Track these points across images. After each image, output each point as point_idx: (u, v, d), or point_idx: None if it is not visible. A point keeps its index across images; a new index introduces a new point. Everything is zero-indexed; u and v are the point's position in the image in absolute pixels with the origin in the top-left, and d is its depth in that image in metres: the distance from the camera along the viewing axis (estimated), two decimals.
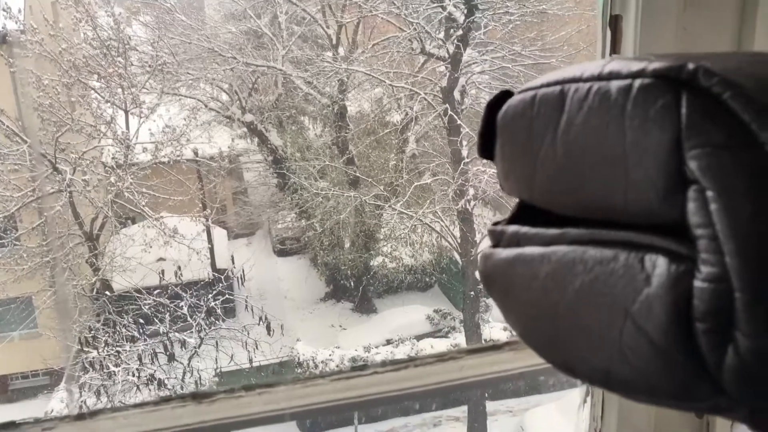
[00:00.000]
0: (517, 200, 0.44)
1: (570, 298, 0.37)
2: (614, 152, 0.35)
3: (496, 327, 12.14)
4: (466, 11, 11.50)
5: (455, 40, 11.50)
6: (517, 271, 0.40)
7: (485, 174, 11.79)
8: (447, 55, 11.68)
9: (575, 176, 0.37)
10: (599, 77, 0.37)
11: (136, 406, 1.18)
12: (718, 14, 1.05)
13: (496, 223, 0.44)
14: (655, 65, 0.35)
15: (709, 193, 0.31)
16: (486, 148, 0.45)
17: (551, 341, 0.39)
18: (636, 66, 0.35)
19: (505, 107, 0.42)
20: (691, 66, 0.33)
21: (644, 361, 0.34)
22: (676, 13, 1.05)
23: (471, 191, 11.58)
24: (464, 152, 11.54)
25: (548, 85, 0.39)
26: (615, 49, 1.12)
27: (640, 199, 0.34)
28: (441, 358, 1.24)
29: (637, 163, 0.34)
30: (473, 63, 12.33)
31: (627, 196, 0.35)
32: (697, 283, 0.32)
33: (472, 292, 11.78)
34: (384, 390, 1.23)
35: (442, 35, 11.82)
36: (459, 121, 11.54)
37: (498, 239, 0.43)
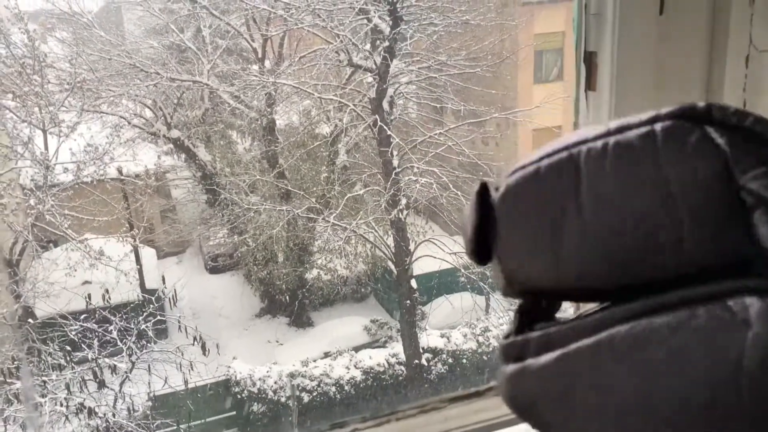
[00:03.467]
0: (516, 306, 0.39)
1: (657, 378, 0.31)
2: (657, 199, 0.33)
3: (433, 334, 12.24)
4: (391, 23, 11.61)
5: (382, 52, 11.60)
6: (569, 373, 0.34)
7: (417, 183, 11.92)
8: (374, 67, 11.76)
9: (613, 238, 0.34)
10: (609, 133, 0.35)
11: None
12: (689, 48, 1.07)
13: (506, 336, 0.39)
14: (664, 110, 0.34)
15: None
16: (481, 247, 0.39)
17: None
18: (643, 116, 0.35)
19: (502, 191, 0.38)
20: (701, 104, 0.33)
21: None
22: (649, 48, 1.06)
23: (403, 200, 11.67)
24: (395, 162, 11.63)
25: (550, 154, 0.37)
26: (590, 84, 1.11)
27: (696, 242, 0.32)
28: (423, 408, 1.17)
29: (687, 203, 0.32)
30: (400, 74, 12.46)
31: (681, 242, 0.32)
32: None
33: (408, 301, 11.85)
34: None
35: (368, 47, 11.90)
36: (389, 132, 11.62)
37: (521, 351, 0.37)
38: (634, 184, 0.33)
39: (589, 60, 1.10)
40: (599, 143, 0.35)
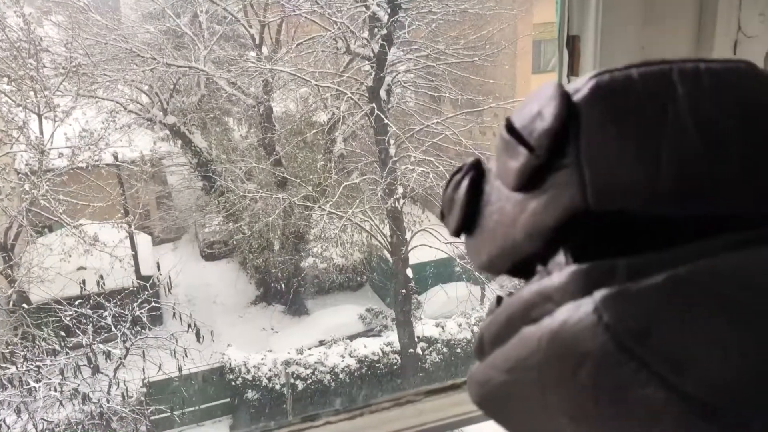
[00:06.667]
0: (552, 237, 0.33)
1: None
2: None
3: (428, 324, 12.26)
4: (389, 10, 11.54)
5: (380, 40, 11.53)
6: (686, 294, 0.28)
7: (414, 172, 11.89)
8: (372, 54, 11.70)
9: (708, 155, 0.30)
10: None
11: None
12: (676, 32, 1.04)
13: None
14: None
15: None
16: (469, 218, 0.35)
17: None
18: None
19: (588, 91, 0.32)
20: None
21: None
22: (634, 32, 1.02)
23: (400, 190, 11.65)
24: (392, 151, 11.60)
25: (639, 65, 0.32)
26: (573, 70, 1.08)
27: None
28: (398, 402, 1.15)
29: None
30: (398, 62, 12.41)
31: None
32: None
33: (403, 290, 11.85)
34: None
35: (366, 34, 11.83)
36: (386, 120, 11.58)
37: (602, 278, 0.30)
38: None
39: (572, 44, 1.06)
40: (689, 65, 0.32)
